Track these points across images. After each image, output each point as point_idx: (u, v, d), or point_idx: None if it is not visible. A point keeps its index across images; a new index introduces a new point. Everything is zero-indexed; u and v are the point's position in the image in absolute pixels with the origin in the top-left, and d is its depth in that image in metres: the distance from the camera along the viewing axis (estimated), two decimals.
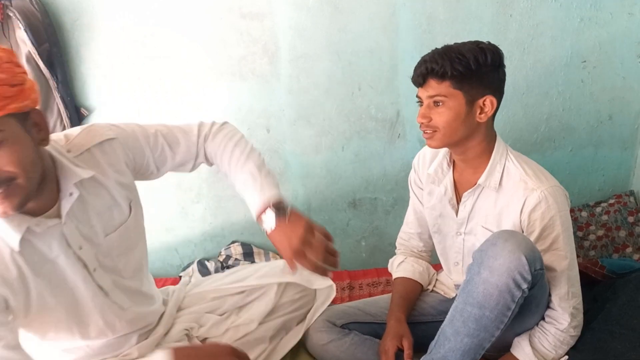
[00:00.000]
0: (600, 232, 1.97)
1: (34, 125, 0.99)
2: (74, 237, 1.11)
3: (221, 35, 1.89)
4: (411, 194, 1.64)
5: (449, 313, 1.29)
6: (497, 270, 1.18)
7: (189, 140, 1.31)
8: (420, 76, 1.31)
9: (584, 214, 2.02)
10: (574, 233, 1.94)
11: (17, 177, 0.94)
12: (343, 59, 1.93)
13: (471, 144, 1.36)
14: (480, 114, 1.32)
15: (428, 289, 1.62)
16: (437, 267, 1.66)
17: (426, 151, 1.56)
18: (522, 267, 1.16)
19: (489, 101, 1.31)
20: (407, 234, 1.67)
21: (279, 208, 1.21)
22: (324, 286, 1.59)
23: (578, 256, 1.88)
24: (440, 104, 1.30)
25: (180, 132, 1.31)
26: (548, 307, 1.35)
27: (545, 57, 1.94)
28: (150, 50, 1.89)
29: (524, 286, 1.18)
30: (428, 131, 1.34)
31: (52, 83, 1.80)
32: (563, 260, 1.31)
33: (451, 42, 1.86)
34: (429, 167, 1.51)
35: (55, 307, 1.11)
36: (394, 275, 1.63)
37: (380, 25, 1.89)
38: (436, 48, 1.33)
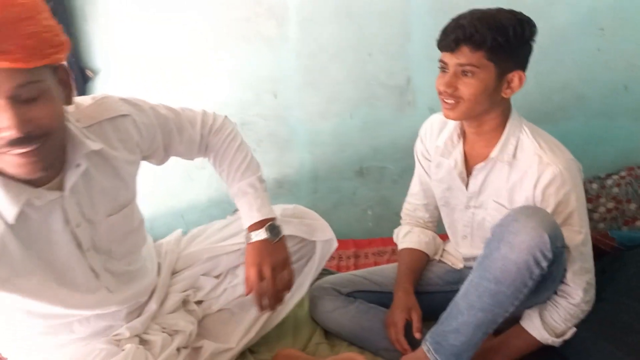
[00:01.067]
0: (611, 205, 1.94)
1: (59, 81, 0.95)
2: (73, 213, 1.04)
3: None
4: (417, 165, 1.60)
5: (463, 286, 1.27)
6: (518, 247, 1.15)
7: (194, 129, 1.30)
8: (454, 41, 1.23)
9: (595, 185, 1.99)
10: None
11: (51, 133, 0.88)
12: (354, 22, 1.88)
13: (489, 117, 1.32)
14: (506, 88, 1.27)
15: (435, 259, 1.61)
16: (444, 237, 1.64)
17: (434, 120, 1.51)
18: (543, 245, 1.14)
19: (517, 77, 1.26)
20: (413, 204, 1.64)
21: (273, 229, 1.30)
22: (324, 239, 1.51)
23: None
24: (470, 74, 1.24)
25: (186, 119, 1.29)
26: (561, 281, 1.33)
27: (560, 23, 1.88)
28: (154, 9, 1.84)
29: (544, 264, 1.16)
30: (450, 101, 1.28)
31: None
32: (577, 235, 1.28)
33: (466, 7, 1.84)
34: (438, 139, 1.46)
35: (41, 283, 1.03)
36: (400, 246, 1.61)
37: None
38: (470, 12, 1.25)
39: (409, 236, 1.60)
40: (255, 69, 1.93)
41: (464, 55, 1.23)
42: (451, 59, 1.25)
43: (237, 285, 1.42)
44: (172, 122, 1.25)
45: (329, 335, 1.55)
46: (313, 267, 1.51)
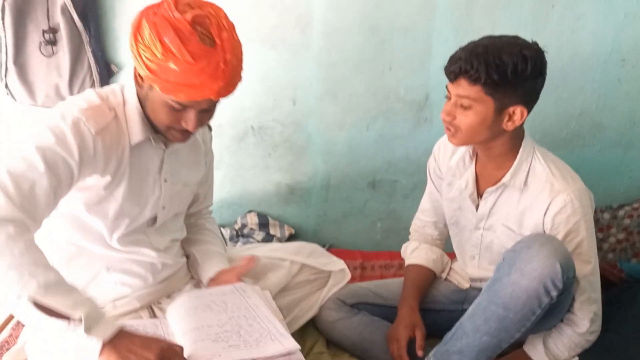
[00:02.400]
0: (621, 236, 1.94)
1: None
2: (167, 168, 1.29)
3: (255, 1, 1.87)
4: (429, 182, 1.60)
5: (470, 308, 1.28)
6: (529, 275, 1.15)
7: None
8: (452, 73, 1.23)
9: (606, 215, 1.99)
10: (595, 234, 1.92)
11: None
12: (376, 36, 1.90)
13: (497, 143, 1.31)
14: (507, 121, 1.25)
15: (442, 277, 1.61)
16: (452, 255, 1.64)
17: (447, 140, 1.52)
18: (555, 275, 1.14)
19: (519, 111, 1.24)
20: (422, 221, 1.64)
21: None
22: (337, 269, 1.62)
23: None
24: (467, 107, 1.23)
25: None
26: (568, 310, 1.32)
27: (583, 51, 1.89)
28: None
29: (554, 293, 1.16)
30: (450, 129, 1.28)
31: (85, 36, 1.80)
32: (586, 265, 1.28)
33: (489, 29, 1.85)
34: (451, 159, 1.46)
35: (116, 206, 1.22)
36: (407, 262, 1.61)
37: (417, 4, 1.85)
38: (475, 44, 1.22)
39: (416, 252, 1.60)
40: (276, 75, 1.95)
41: (462, 88, 1.22)
42: (452, 89, 1.25)
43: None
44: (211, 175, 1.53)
45: (331, 345, 1.56)
46: (323, 293, 1.58)
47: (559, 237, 1.27)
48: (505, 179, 1.33)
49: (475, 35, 1.84)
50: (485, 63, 1.17)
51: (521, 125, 1.31)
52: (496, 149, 1.32)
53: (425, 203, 1.63)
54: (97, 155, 1.14)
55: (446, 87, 1.28)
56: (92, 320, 0.96)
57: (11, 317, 1.54)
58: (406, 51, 1.91)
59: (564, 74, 1.92)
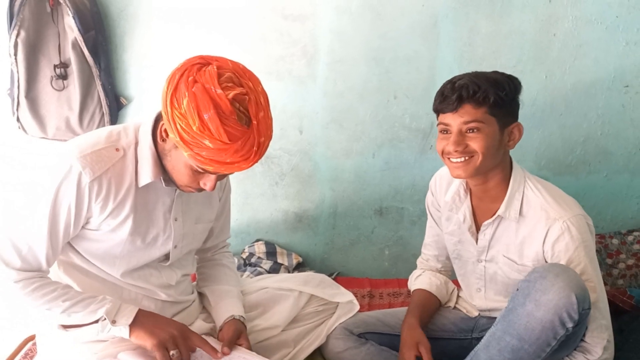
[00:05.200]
0: (631, 262, 1.92)
1: None
2: (177, 207, 1.28)
3: (262, 34, 1.91)
4: (429, 217, 1.61)
5: (485, 338, 1.27)
6: (544, 306, 1.15)
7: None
8: (457, 100, 1.25)
9: (615, 241, 1.98)
10: (604, 260, 1.91)
11: None
12: (381, 66, 1.93)
13: (493, 173, 1.33)
14: (509, 141, 1.30)
15: (450, 306, 1.60)
16: (458, 283, 1.63)
17: (442, 174, 1.52)
18: (570, 306, 1.13)
19: (517, 129, 1.30)
20: (426, 255, 1.65)
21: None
22: (345, 300, 1.62)
23: (605, 284, 1.83)
24: (476, 130, 1.26)
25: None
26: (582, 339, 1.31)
27: (586, 78, 1.91)
28: (191, 44, 1.91)
29: (569, 325, 1.15)
30: (461, 159, 1.28)
31: (95, 70, 1.84)
32: (592, 292, 1.27)
33: (491, 58, 1.88)
34: (446, 194, 1.47)
35: (122, 245, 1.23)
36: (412, 288, 1.61)
37: (420, 34, 1.89)
38: (465, 73, 1.30)
39: (420, 278, 1.60)
40: (283, 105, 1.98)
41: (468, 113, 1.25)
42: (454, 119, 1.27)
43: (264, 329, 1.46)
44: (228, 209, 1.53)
45: None
46: (330, 322, 1.58)
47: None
48: (500, 211, 1.33)
49: (479, 64, 1.90)
50: (490, 83, 1.24)
51: (509, 155, 1.35)
52: (491, 180, 1.34)
53: (427, 238, 1.64)
54: (92, 201, 1.16)
55: (442, 124, 1.31)
56: (113, 314, 1.17)
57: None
58: (410, 80, 1.94)
59: (567, 101, 1.94)
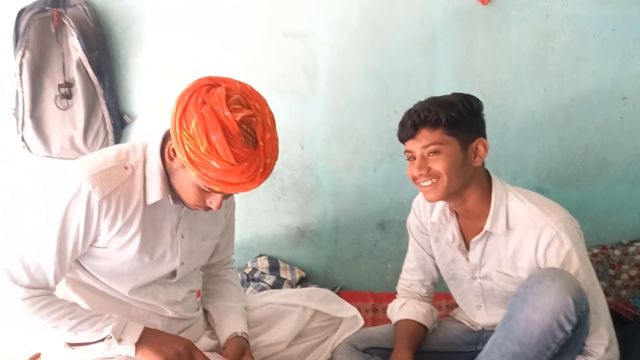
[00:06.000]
0: (633, 272, 1.92)
1: None
2: (184, 224, 1.29)
3: (263, 52, 1.94)
4: (411, 241, 1.59)
5: (487, 345, 1.27)
6: (542, 309, 1.15)
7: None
8: (412, 127, 1.29)
9: (617, 252, 1.98)
10: (607, 271, 1.91)
11: None
12: (380, 81, 1.95)
13: (469, 192, 1.34)
14: (474, 157, 1.31)
15: (451, 318, 1.59)
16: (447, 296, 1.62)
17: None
18: (567, 309, 1.14)
19: (481, 144, 1.32)
20: (408, 280, 1.60)
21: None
22: (350, 316, 1.62)
23: (609, 295, 1.84)
24: (436, 153, 1.28)
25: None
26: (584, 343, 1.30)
27: (584, 91, 1.93)
28: (193, 63, 1.94)
29: (568, 328, 1.15)
30: (428, 182, 1.30)
31: (99, 89, 1.87)
32: (587, 294, 1.26)
33: (489, 71, 1.91)
34: (432, 216, 1.47)
35: (130, 262, 1.24)
36: (395, 319, 1.54)
37: (419, 49, 1.91)
38: (420, 101, 1.34)
39: (405, 308, 1.55)
40: (285, 121, 1.99)
41: (425, 137, 1.29)
42: (415, 145, 1.31)
43: (269, 345, 1.47)
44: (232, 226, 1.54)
45: None
46: (334, 337, 1.57)
47: None
48: (487, 227, 1.34)
49: (477, 78, 1.92)
50: (440, 106, 1.29)
51: (483, 169, 1.36)
52: (469, 199, 1.35)
53: (409, 262, 1.61)
54: (101, 219, 1.17)
55: (406, 152, 1.35)
56: (119, 332, 1.16)
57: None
58: (410, 95, 1.94)
59: (566, 113, 1.95)
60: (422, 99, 1.35)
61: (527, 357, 1.19)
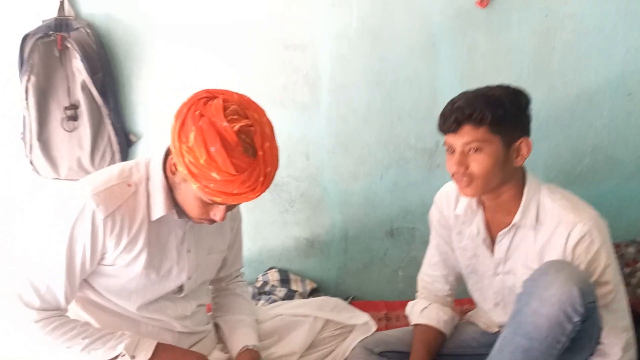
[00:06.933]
0: None
1: None
2: (190, 239, 1.30)
3: (265, 64, 1.95)
4: (433, 234, 1.57)
5: (497, 342, 1.26)
6: (548, 301, 1.14)
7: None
8: (455, 122, 1.25)
9: (631, 249, 1.95)
10: (621, 269, 1.87)
11: None
12: (382, 88, 1.95)
13: (505, 188, 1.32)
14: (516, 157, 1.28)
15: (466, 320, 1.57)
16: (469, 301, 1.60)
17: (448, 189, 1.51)
18: (574, 300, 1.13)
19: (525, 144, 1.29)
20: (431, 276, 1.58)
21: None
22: (362, 322, 1.61)
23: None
24: (478, 150, 1.25)
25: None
26: (598, 342, 1.29)
27: (589, 88, 1.92)
28: (196, 80, 1.95)
29: (576, 319, 1.14)
30: (464, 179, 1.28)
31: (105, 110, 1.89)
32: (611, 293, 1.26)
33: (493, 73, 1.90)
34: (456, 208, 1.45)
35: (137, 279, 1.24)
36: (415, 321, 1.53)
37: (420, 55, 1.91)
38: (464, 93, 1.29)
39: (426, 312, 1.52)
40: (289, 132, 2.00)
41: (468, 134, 1.25)
42: (456, 140, 1.27)
43: (282, 357, 1.47)
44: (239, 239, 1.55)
45: None
46: (346, 343, 1.57)
47: (581, 267, 1.25)
48: (515, 219, 1.32)
49: (480, 80, 1.88)
50: (486, 103, 1.23)
51: (522, 168, 1.34)
52: (504, 195, 1.33)
53: (432, 257, 1.58)
54: (106, 237, 1.18)
55: (445, 144, 1.31)
56: (132, 349, 1.19)
57: None
58: (413, 101, 1.96)
59: (572, 111, 1.94)
60: (443, 101, 1.31)
61: (537, 351, 1.17)
